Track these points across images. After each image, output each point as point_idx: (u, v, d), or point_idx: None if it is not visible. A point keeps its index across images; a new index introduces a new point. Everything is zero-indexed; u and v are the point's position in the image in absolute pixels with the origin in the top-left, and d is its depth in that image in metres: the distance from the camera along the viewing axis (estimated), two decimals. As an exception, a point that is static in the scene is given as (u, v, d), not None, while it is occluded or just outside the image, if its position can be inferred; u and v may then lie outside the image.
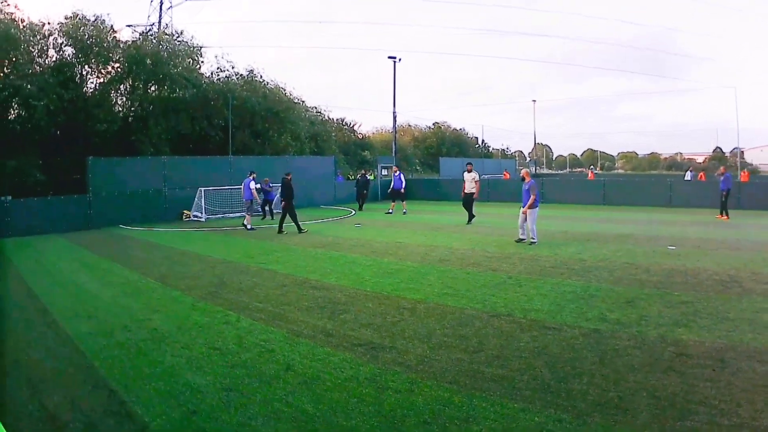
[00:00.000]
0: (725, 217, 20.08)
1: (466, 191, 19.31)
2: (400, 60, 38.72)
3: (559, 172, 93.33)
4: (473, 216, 19.41)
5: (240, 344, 6.70)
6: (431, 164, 54.34)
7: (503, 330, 6.94)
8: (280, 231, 17.85)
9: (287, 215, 17.92)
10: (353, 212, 25.30)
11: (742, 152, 77.54)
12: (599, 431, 4.27)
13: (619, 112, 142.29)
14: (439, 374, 5.51)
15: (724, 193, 20.47)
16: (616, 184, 32.67)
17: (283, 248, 14.69)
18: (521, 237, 14.47)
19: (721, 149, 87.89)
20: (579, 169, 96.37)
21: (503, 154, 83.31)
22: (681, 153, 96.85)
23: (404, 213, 23.92)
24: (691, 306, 7.87)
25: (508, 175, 28.65)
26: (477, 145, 74.69)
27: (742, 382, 5.15)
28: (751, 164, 70.93)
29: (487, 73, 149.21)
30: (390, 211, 24.66)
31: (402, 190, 24.56)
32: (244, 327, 7.42)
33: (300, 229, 17.71)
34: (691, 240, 14.63)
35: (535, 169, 68.34)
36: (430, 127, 67.05)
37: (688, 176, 33.60)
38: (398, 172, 25.20)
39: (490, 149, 79.12)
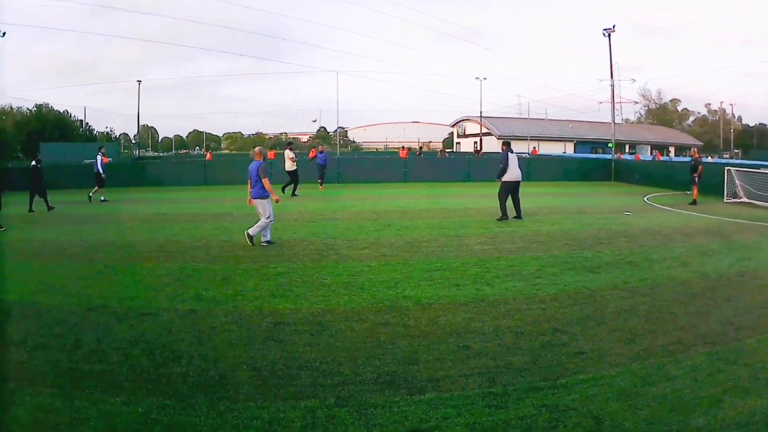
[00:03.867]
0: (321, 187, 25.58)
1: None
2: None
3: (164, 154, 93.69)
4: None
5: None
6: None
7: (99, 322, 6.72)
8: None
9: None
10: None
11: (346, 131, 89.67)
12: (203, 411, 4.37)
13: (224, 92, 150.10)
14: (39, 379, 5.10)
15: (324, 167, 25.97)
16: (222, 164, 36.37)
17: None
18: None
19: (325, 128, 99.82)
20: (184, 151, 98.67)
21: (108, 137, 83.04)
22: (286, 132, 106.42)
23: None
24: (287, 276, 8.65)
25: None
26: (81, 129, 73.15)
27: (342, 342, 5.75)
28: (354, 141, 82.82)
29: (92, 51, 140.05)
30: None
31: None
32: None
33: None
34: (287, 213, 16.04)
35: (139, 152, 70.45)
36: (31, 110, 65.51)
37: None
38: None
39: (95, 132, 78.31)
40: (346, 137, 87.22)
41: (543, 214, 16.95)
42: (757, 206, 21.00)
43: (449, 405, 4.44)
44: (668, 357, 5.65)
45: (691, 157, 22.58)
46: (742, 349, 5.99)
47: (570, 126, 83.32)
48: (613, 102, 47.41)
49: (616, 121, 50.08)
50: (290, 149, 24.07)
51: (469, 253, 10.56)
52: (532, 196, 21.79)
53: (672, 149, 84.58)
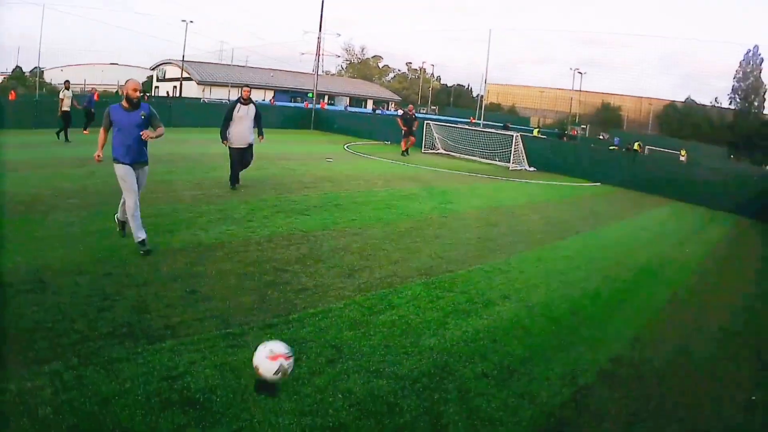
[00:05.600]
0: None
1: None
2: None
3: None
4: None
5: None
6: None
7: None
8: None
9: None
10: None
11: (42, 72, 79.48)
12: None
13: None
14: None
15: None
16: None
17: None
18: None
19: (21, 68, 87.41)
20: None
21: None
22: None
23: None
24: (-5, 232, 7.60)
25: None
26: None
27: (69, 298, 5.37)
28: (50, 83, 74.00)
29: None
30: None
31: None
32: None
33: None
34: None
35: None
36: None
37: None
38: None
39: None
40: (43, 78, 77.24)
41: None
42: (453, 157, 23.88)
43: (192, 350, 4.50)
44: (389, 288, 6.37)
45: (406, 111, 24.51)
46: (456, 279, 7.01)
47: (271, 75, 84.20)
48: (318, 54, 49.12)
49: (318, 73, 52.02)
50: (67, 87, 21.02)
51: (177, 199, 10.39)
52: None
53: (370, 102, 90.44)
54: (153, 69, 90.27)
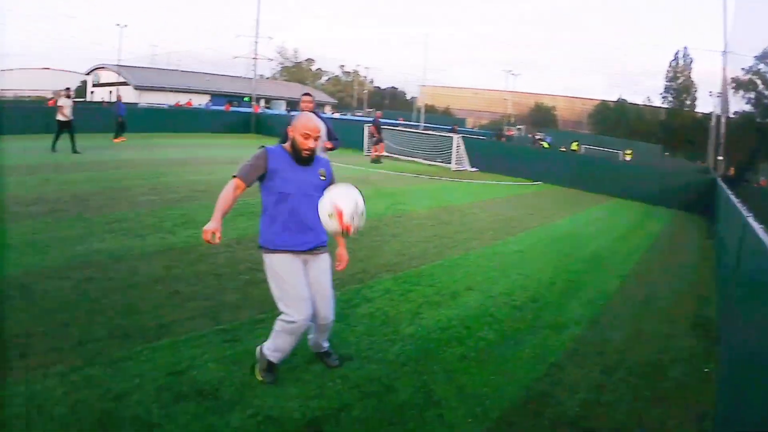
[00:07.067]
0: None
1: None
2: None
3: None
4: None
5: None
6: None
7: None
8: None
9: None
10: None
11: None
12: None
13: None
14: None
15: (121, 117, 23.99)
16: None
17: None
18: None
19: None
20: None
21: None
22: None
23: None
24: None
25: None
26: None
27: (56, 303, 5.35)
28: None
29: None
30: None
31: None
32: None
33: None
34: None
35: None
36: None
37: None
38: None
39: None
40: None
41: (198, 164, 17.32)
42: (396, 159, 24.19)
43: (191, 346, 4.63)
44: (361, 284, 6.65)
45: (374, 117, 25.09)
46: (421, 274, 7.33)
47: (207, 79, 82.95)
48: (256, 57, 49.36)
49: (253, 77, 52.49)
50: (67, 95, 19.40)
51: (136, 204, 10.30)
52: (183, 147, 22.57)
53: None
54: (87, 74, 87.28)
